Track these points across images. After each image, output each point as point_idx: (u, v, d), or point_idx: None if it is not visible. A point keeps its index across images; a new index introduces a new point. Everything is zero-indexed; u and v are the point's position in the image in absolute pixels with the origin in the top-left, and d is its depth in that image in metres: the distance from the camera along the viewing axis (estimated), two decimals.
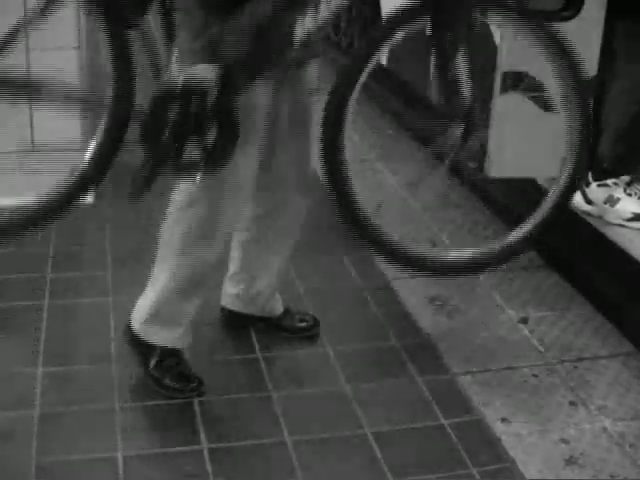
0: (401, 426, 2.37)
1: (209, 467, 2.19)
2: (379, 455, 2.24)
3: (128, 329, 2.51)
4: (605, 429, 2.37)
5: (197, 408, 2.40)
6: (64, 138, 3.60)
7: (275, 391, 2.47)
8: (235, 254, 2.66)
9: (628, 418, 2.41)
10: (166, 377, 2.45)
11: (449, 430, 2.35)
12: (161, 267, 2.44)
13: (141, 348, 2.49)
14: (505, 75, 3.07)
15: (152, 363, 2.46)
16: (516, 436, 2.33)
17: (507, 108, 3.12)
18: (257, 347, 2.68)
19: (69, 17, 3.39)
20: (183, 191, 2.38)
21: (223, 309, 2.77)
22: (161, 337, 2.47)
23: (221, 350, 2.69)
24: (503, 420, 2.39)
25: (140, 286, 2.99)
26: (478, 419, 2.40)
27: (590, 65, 3.01)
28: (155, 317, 2.45)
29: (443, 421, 2.38)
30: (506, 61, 3.08)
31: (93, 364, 2.59)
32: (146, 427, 2.33)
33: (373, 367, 2.62)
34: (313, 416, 2.40)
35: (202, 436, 2.30)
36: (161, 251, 2.44)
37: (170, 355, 2.47)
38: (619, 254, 2.89)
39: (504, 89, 3.08)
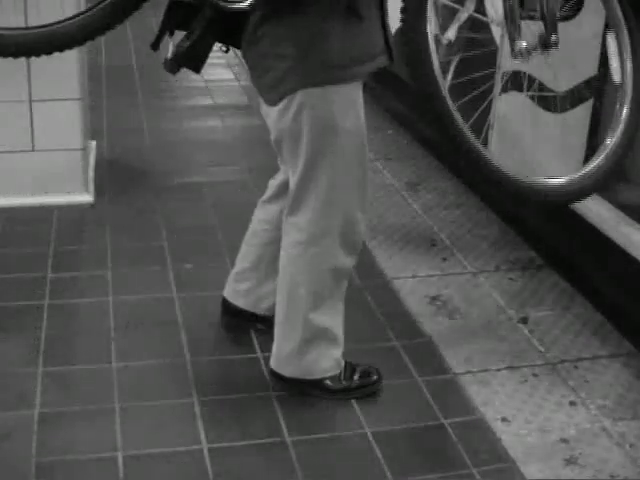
0: (401, 426, 2.37)
1: (209, 467, 2.19)
2: (379, 455, 2.25)
3: (286, 381, 2.46)
4: (605, 429, 2.37)
5: (197, 408, 2.40)
6: (64, 138, 3.61)
7: (275, 391, 2.48)
8: (250, 251, 2.65)
9: (628, 418, 2.42)
10: (352, 383, 2.48)
11: (449, 430, 2.35)
12: (300, 310, 2.38)
13: (315, 385, 2.46)
14: (505, 75, 3.07)
15: (335, 385, 2.46)
16: (516, 436, 2.33)
17: (507, 108, 3.12)
18: (257, 347, 2.68)
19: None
20: (298, 230, 2.33)
21: (225, 302, 2.75)
22: (333, 360, 2.46)
23: (221, 350, 2.69)
24: (503, 420, 2.39)
25: (140, 286, 3.00)
26: (478, 419, 2.40)
27: (590, 65, 3.01)
28: (314, 349, 2.41)
29: (443, 421, 2.38)
30: (506, 61, 3.08)
31: (93, 364, 2.59)
32: (146, 427, 2.33)
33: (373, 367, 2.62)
34: (313, 416, 2.40)
35: (202, 436, 2.30)
36: (294, 294, 2.37)
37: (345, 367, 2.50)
38: (619, 254, 2.89)
39: (504, 89, 3.08)
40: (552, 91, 3.08)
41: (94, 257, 3.24)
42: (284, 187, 2.46)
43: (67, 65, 3.45)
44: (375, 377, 2.51)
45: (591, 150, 3.12)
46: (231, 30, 2.20)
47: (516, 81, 3.07)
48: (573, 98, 3.07)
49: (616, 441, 2.32)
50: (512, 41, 2.23)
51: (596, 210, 3.06)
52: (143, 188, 3.86)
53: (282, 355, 2.44)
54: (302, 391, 2.46)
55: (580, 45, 2.94)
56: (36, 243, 3.31)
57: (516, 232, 3.53)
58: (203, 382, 2.51)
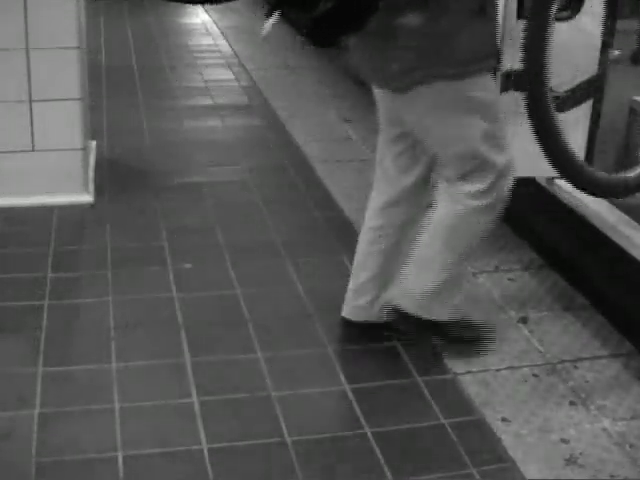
0: (401, 426, 2.37)
1: (209, 467, 2.19)
2: (379, 455, 2.25)
3: (406, 318, 2.57)
4: (605, 429, 2.37)
5: (197, 408, 2.40)
6: (64, 138, 3.62)
7: (275, 391, 2.48)
8: (369, 261, 2.64)
9: (628, 418, 2.41)
10: (466, 332, 2.68)
11: (449, 430, 2.35)
12: (442, 255, 2.50)
13: (432, 326, 2.59)
14: (505, 75, 3.07)
15: (454, 331, 2.64)
16: (516, 436, 2.33)
17: (507, 108, 3.12)
18: (257, 347, 2.68)
19: (69, 17, 3.39)
20: (476, 197, 2.45)
21: (348, 322, 2.70)
22: (456, 306, 2.61)
23: (221, 350, 2.69)
24: (503, 420, 2.39)
25: (140, 286, 3.00)
26: (478, 419, 2.40)
27: (590, 65, 3.01)
28: (446, 292, 2.55)
29: (443, 421, 2.38)
30: (506, 61, 3.08)
31: (93, 364, 2.59)
32: (146, 427, 2.33)
33: (373, 367, 2.62)
34: (313, 416, 2.40)
35: (202, 436, 2.30)
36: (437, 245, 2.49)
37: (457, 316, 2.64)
38: (619, 254, 2.89)
39: (504, 89, 3.08)
40: (552, 91, 3.08)
41: (94, 257, 3.24)
42: (410, 190, 2.56)
43: (67, 65, 3.45)
44: (484, 333, 2.68)
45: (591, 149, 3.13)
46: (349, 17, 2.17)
47: (516, 81, 3.07)
48: (573, 98, 3.07)
49: (616, 441, 2.32)
50: (605, 48, 2.28)
51: (596, 210, 3.06)
52: (143, 188, 3.86)
53: (415, 292, 2.52)
54: (418, 330, 2.58)
55: (580, 45, 2.94)
56: (36, 243, 3.31)
57: (516, 232, 3.52)
58: (203, 382, 2.51)
